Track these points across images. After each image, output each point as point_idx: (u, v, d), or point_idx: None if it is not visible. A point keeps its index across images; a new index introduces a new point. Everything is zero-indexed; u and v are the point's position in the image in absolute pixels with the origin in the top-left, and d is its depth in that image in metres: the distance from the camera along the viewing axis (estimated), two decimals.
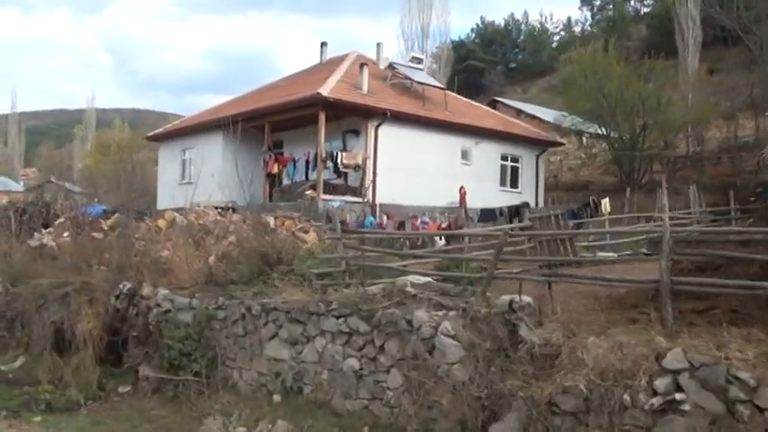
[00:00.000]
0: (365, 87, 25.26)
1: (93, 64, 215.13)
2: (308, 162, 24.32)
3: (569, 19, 65.66)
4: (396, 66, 28.03)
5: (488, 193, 26.76)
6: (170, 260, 13.40)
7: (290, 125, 26.35)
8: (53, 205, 21.09)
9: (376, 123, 24.47)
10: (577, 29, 63.15)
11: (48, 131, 77.08)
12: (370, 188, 24.37)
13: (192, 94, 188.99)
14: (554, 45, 61.65)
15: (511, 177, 29.20)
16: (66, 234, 18.47)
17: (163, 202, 28.67)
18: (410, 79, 27.20)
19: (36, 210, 20.12)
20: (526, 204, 22.22)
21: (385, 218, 21.53)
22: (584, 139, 33.78)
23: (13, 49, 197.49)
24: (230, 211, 21.02)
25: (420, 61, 31.63)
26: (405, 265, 11.34)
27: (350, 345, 9.78)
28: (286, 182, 25.64)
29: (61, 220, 19.71)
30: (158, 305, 12.45)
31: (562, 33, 64.54)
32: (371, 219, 21.80)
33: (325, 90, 23.28)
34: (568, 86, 31.95)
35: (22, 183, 56.15)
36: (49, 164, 60.69)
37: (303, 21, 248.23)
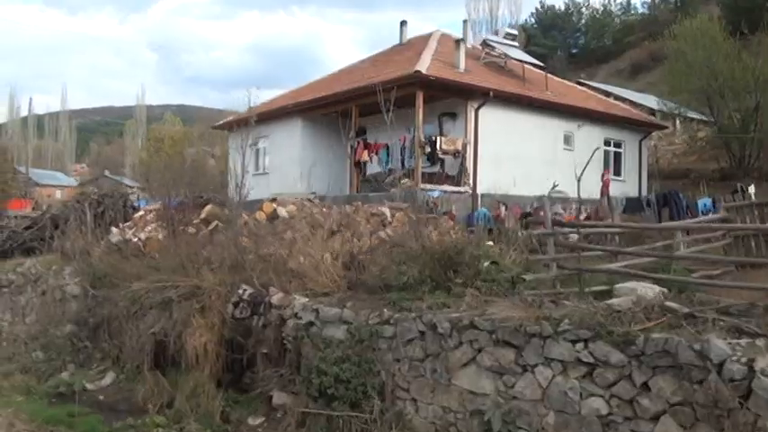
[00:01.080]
0: (462, 65, 22.43)
1: (139, 62, 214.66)
2: (403, 148, 21.55)
3: (629, 2, 61.89)
4: (491, 42, 25.13)
5: (590, 183, 23.78)
6: (291, 257, 10.77)
7: (376, 109, 23.65)
8: (130, 197, 18.66)
9: (476, 105, 21.60)
10: (640, 11, 59.49)
11: (96, 128, 75.66)
12: (470, 176, 21.57)
13: (237, 90, 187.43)
14: (616, 29, 57.99)
15: (614, 164, 26.17)
16: (148, 228, 15.99)
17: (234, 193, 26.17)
18: (508, 56, 24.29)
19: (112, 202, 17.69)
20: (674, 193, 19.21)
21: (503, 209, 18.67)
22: (688, 123, 30.53)
23: (59, 48, 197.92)
24: (315, 202, 18.41)
25: (514, 37, 28.67)
26: (625, 267, 8.54)
27: (593, 380, 7.01)
28: (378, 170, 22.93)
29: (141, 213, 17.25)
30: (296, 316, 9.79)
31: (623, 17, 60.79)
32: (484, 210, 18.98)
33: (423, 68, 20.51)
34: (673, 64, 28.61)
35: (73, 178, 54.55)
36: (100, 159, 59.19)
37: (344, 14, 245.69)
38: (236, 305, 10.66)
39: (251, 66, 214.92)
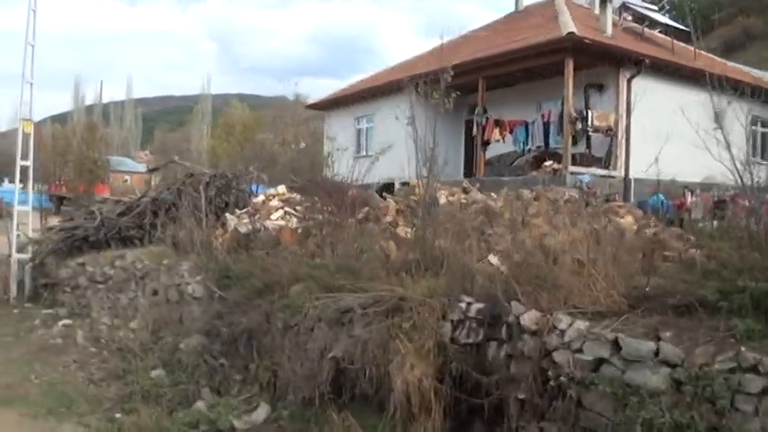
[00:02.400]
0: (609, 29, 18.78)
1: (198, 52, 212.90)
2: (546, 125, 18.02)
3: None
4: (630, 5, 21.36)
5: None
6: (546, 259, 7.36)
7: (501, 82, 20.18)
8: (244, 178, 15.50)
9: (629, 74, 18.03)
10: None
11: (156, 117, 73.60)
12: (622, 158, 18.01)
13: (294, 79, 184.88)
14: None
15: (761, 146, 22.25)
16: (275, 216, 12.79)
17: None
18: (653, 21, 20.54)
19: (224, 184, 14.52)
20: None
21: (689, 196, 15.02)
22: None
23: (119, 39, 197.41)
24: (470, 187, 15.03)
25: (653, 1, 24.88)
26: None
27: None
28: (513, 149, 19.48)
29: (260, 198, 14.04)
30: (568, 346, 6.39)
31: None
32: (660, 197, 15.35)
33: (572, 31, 16.97)
34: None
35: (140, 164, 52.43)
36: (163, 147, 57.03)
37: (400, 2, 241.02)
38: (456, 325, 7.31)
39: (307, 55, 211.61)
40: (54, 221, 19.24)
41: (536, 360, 6.58)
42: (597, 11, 21.76)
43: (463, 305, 7.35)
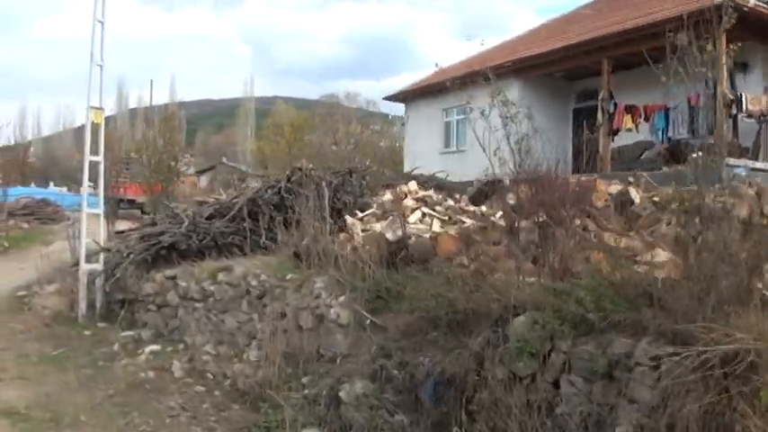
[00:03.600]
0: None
1: (233, 55, 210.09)
2: (693, 110, 14.97)
3: None
4: None
5: None
6: None
7: (621, 64, 17.15)
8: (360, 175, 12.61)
9: None
10: None
11: (195, 120, 71.11)
12: None
13: (329, 81, 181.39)
14: None
15: None
16: (414, 219, 9.94)
17: None
18: None
19: (340, 182, 11.67)
20: None
21: None
22: None
23: (156, 44, 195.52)
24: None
25: None
26: None
27: None
28: (639, 140, 16.46)
29: (387, 197, 11.18)
30: None
31: None
32: None
33: None
34: None
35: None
36: (207, 149, 54.71)
37: (434, 1, 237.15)
38: None
39: (343, 56, 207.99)
40: (120, 226, 16.57)
41: None
42: None
43: None
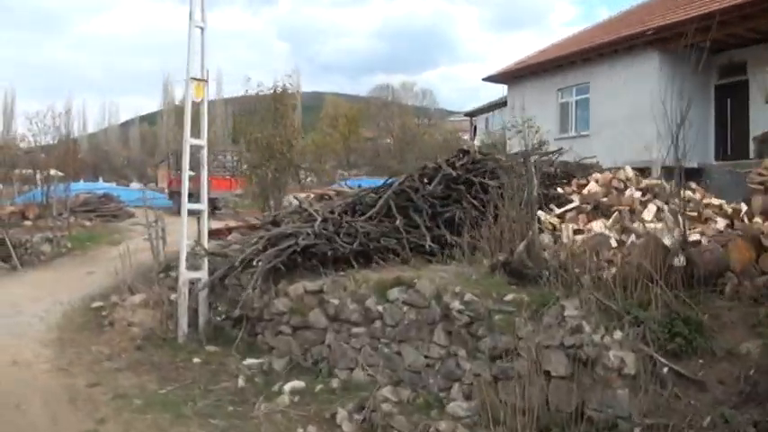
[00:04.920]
0: None
1: (270, 52, 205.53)
2: None
3: None
4: None
5: None
6: None
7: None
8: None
9: None
10: None
11: (237, 116, 68.61)
12: None
13: (366, 76, 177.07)
14: None
15: None
16: (649, 216, 6.87)
17: None
18: None
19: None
20: None
21: None
22: None
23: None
24: None
25: None
26: None
27: None
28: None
29: (593, 186, 8.12)
30: None
31: None
32: None
33: None
34: None
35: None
36: (255, 144, 52.26)
37: None
38: None
39: (379, 50, 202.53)
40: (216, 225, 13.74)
41: None
42: None
43: None
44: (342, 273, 8.17)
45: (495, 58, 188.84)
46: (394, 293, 7.16)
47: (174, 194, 25.05)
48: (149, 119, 63.05)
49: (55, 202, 17.48)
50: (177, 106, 57.43)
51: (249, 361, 8.57)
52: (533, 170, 7.22)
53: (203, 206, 10.02)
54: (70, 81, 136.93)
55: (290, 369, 8.17)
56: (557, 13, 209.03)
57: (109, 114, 59.33)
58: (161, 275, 11.88)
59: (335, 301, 7.75)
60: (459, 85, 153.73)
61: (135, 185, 36.94)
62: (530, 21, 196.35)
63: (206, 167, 10.04)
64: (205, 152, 10.08)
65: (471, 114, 34.81)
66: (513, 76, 18.72)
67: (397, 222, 8.67)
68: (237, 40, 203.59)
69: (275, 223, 9.27)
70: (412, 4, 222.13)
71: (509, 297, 6.28)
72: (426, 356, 6.73)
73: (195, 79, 9.79)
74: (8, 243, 16.83)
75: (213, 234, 12.34)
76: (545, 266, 6.34)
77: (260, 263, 8.19)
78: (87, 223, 18.88)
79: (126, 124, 52.57)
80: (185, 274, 9.67)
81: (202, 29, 9.98)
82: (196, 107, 10.12)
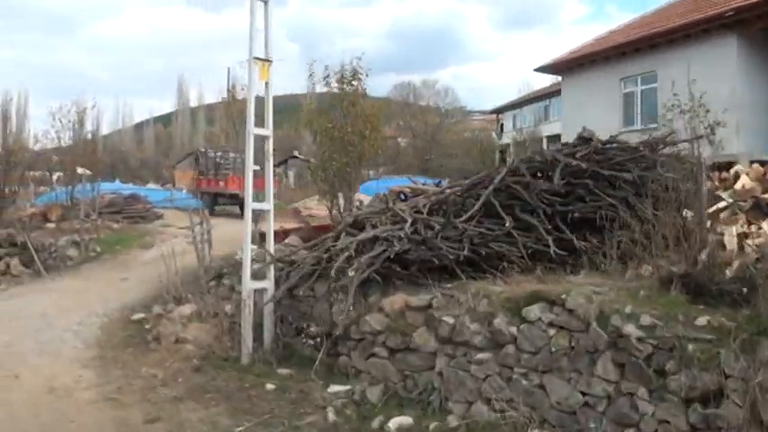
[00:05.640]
0: None
1: (281, 54, 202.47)
2: None
3: None
4: None
5: None
6: None
7: None
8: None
9: None
10: None
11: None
12: None
13: (376, 76, 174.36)
14: None
15: None
16: None
17: None
18: None
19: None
20: None
21: None
22: None
23: (206, 45, 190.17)
24: None
25: None
26: None
27: None
28: None
29: (746, 181, 6.64)
30: None
31: None
32: None
33: None
34: None
35: None
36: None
37: None
38: None
39: (388, 51, 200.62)
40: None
41: None
42: None
43: None
44: (448, 284, 6.69)
45: (505, 58, 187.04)
46: (534, 312, 5.67)
47: (204, 195, 23.63)
48: (163, 120, 61.68)
49: (83, 203, 15.99)
50: (192, 107, 56.42)
51: (335, 388, 7.10)
52: (701, 161, 5.74)
53: (269, 205, 8.52)
54: (82, 83, 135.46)
55: (386, 399, 6.69)
56: (566, 11, 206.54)
57: (123, 115, 58.07)
58: (211, 283, 10.42)
59: (449, 320, 6.27)
60: (469, 84, 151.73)
61: (151, 186, 35.50)
62: (539, 19, 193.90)
63: (272, 161, 8.54)
64: (271, 143, 8.60)
65: (497, 111, 33.37)
66: (568, 66, 17.21)
67: (507, 224, 7.18)
68: (245, 41, 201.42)
69: (357, 225, 7.79)
70: (421, 3, 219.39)
71: (701, 321, 4.81)
72: (585, 393, 5.25)
73: (259, 59, 8.32)
74: (30, 246, 15.38)
75: (264, 237, 10.87)
76: (743, 280, 4.85)
77: (352, 272, 6.70)
78: (115, 225, 17.40)
79: (140, 125, 51.45)
80: (250, 284, 8.20)
81: (266, 2, 8.50)
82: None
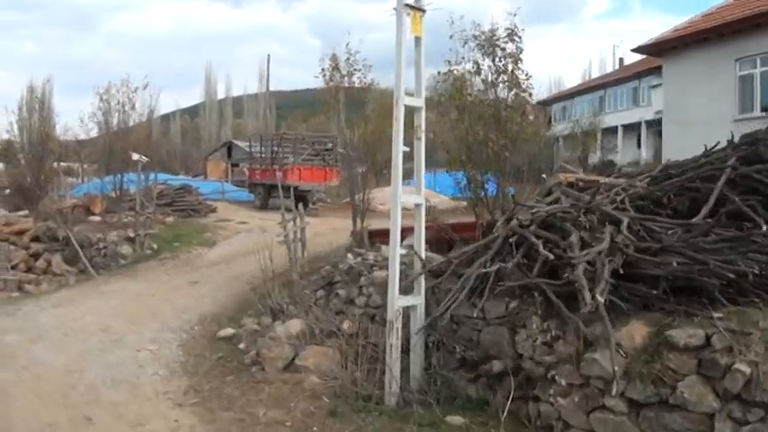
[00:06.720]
0: None
1: (303, 48, 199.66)
2: None
3: None
4: None
5: None
6: None
7: None
8: None
9: None
10: None
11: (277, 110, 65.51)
12: None
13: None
14: None
15: None
16: None
17: (672, 152, 13.13)
18: None
19: None
20: None
21: None
22: None
23: (224, 39, 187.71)
24: None
25: None
26: None
27: None
28: None
29: None
30: None
31: None
32: None
33: None
34: None
35: None
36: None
37: None
38: None
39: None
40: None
41: None
42: None
43: None
44: (715, 313, 4.61)
45: (529, 52, 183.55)
46: None
47: (257, 187, 21.58)
48: (189, 111, 59.78)
49: (138, 194, 13.92)
50: (219, 100, 54.69)
51: None
52: None
53: (420, 198, 6.42)
54: (106, 77, 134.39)
55: None
56: (590, 6, 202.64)
57: (149, 108, 56.14)
58: (320, 293, 8.37)
59: (744, 369, 4.18)
60: None
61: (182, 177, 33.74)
62: (563, 14, 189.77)
63: (423, 139, 6.43)
64: (423, 115, 6.49)
65: (545, 103, 31.29)
66: (672, 46, 14.97)
67: (765, 228, 5.11)
68: (268, 36, 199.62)
69: (545, 224, 5.69)
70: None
71: None
72: None
73: (410, 6, 6.22)
74: (74, 243, 13.38)
75: (378, 236, 8.84)
76: None
77: (600, 295, 4.62)
78: (169, 219, 15.35)
79: (166, 117, 49.88)
80: (399, 301, 6.13)
81: None
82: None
